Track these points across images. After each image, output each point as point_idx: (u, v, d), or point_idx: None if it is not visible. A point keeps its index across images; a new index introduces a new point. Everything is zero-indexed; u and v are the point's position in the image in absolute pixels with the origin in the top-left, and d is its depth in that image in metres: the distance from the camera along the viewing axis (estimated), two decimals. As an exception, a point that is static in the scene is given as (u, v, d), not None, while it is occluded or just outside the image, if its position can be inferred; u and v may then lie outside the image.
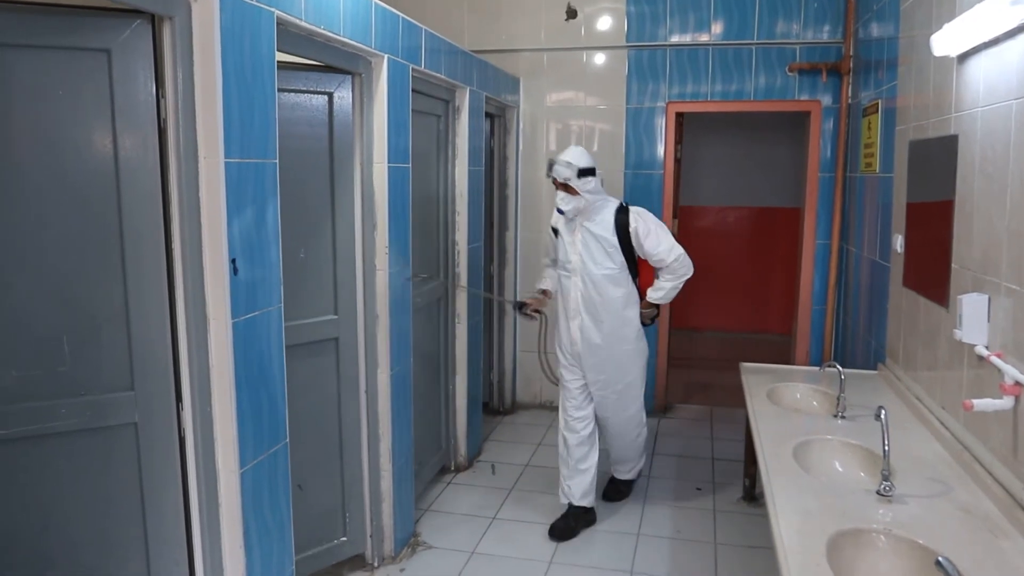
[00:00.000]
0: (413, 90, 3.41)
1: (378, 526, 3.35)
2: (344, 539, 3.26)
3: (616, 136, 5.29)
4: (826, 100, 4.92)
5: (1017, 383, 2.06)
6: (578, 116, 5.37)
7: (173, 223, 2.09)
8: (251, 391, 2.30)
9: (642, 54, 5.19)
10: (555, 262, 3.76)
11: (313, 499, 3.06)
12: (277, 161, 2.37)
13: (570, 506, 3.71)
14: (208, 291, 2.15)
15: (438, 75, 3.74)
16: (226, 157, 2.12)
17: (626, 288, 3.57)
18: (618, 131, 5.28)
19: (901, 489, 2.24)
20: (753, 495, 3.99)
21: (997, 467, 2.23)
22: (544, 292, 3.84)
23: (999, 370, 2.15)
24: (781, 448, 2.62)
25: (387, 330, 3.25)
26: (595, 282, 3.54)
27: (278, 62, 2.38)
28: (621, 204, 3.57)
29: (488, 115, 4.87)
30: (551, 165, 3.45)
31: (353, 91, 3.03)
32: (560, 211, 3.49)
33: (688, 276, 3.61)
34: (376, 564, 3.35)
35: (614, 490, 4.05)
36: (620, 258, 3.53)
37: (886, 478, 2.23)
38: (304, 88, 2.88)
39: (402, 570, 3.35)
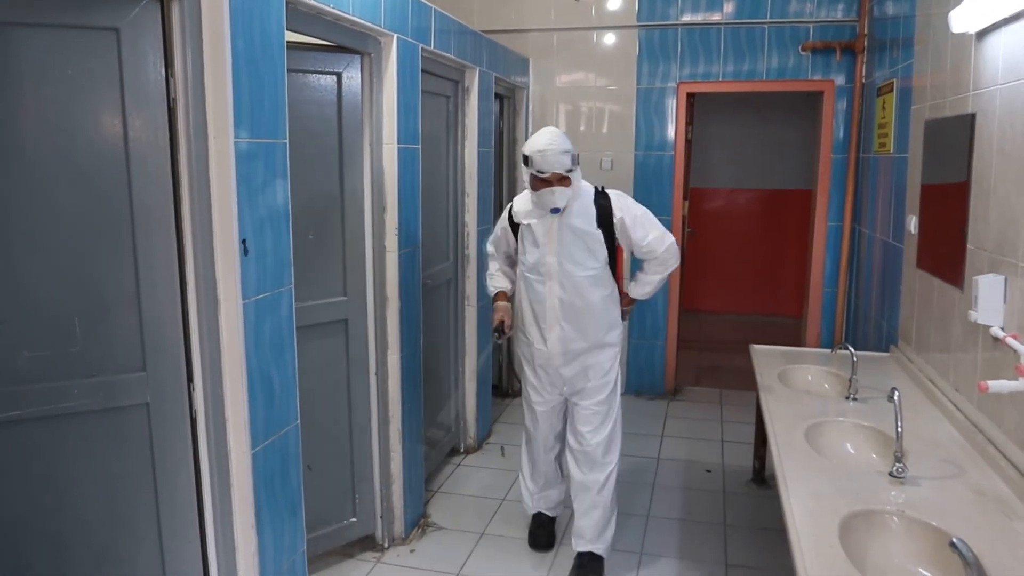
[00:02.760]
0: (423, 70, 3.39)
1: (388, 507, 3.37)
2: (354, 520, 3.28)
3: (626, 117, 5.25)
4: (839, 80, 4.87)
5: (1033, 365, 2.04)
6: (588, 97, 5.33)
7: (183, 204, 2.09)
8: (262, 372, 2.31)
9: (653, 34, 5.14)
10: (507, 257, 3.31)
11: (323, 480, 3.08)
12: (287, 141, 2.36)
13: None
14: (219, 272, 2.15)
15: (448, 55, 3.71)
16: (236, 137, 2.11)
17: (609, 287, 3.06)
18: (628, 112, 5.24)
19: (914, 471, 2.23)
20: (763, 477, 3.99)
21: (1011, 449, 2.21)
22: (501, 296, 3.27)
23: (1015, 351, 2.13)
24: (792, 430, 2.61)
25: (397, 312, 3.25)
26: (576, 286, 2.99)
27: (287, 42, 2.36)
28: (597, 188, 3.06)
29: (498, 96, 4.84)
30: (531, 159, 2.85)
31: (362, 71, 3.01)
32: (556, 209, 2.89)
33: (676, 266, 3.13)
34: (386, 545, 3.37)
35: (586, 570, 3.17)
36: (604, 253, 3.00)
37: (899, 460, 2.22)
38: (313, 68, 2.86)
39: (412, 551, 3.37)
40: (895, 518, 2.01)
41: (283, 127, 2.34)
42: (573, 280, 2.99)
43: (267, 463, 2.36)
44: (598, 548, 3.13)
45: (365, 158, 3.07)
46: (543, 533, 3.42)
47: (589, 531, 3.13)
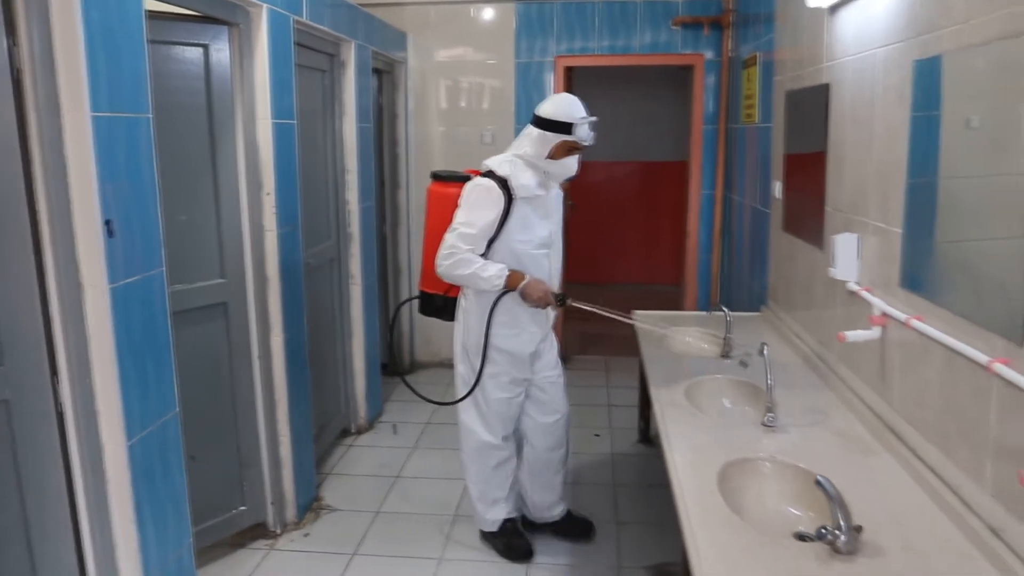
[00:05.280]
0: (296, 43, 3.28)
1: (279, 493, 3.29)
2: (243, 508, 3.19)
3: (506, 92, 5.27)
4: (709, 54, 5.06)
5: (884, 314, 2.22)
6: (468, 72, 5.31)
7: (36, 183, 1.94)
8: (135, 360, 2.19)
9: (530, 8, 5.17)
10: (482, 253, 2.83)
11: (208, 469, 2.97)
12: (151, 116, 2.23)
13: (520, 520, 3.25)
14: (81, 256, 2.02)
15: (322, 28, 3.60)
16: (93, 111, 1.97)
17: None
18: (508, 87, 5.27)
19: (783, 420, 2.38)
20: (649, 437, 4.15)
21: (867, 393, 2.40)
22: (515, 273, 2.79)
23: (868, 303, 2.31)
24: (673, 389, 2.73)
25: (279, 293, 3.16)
26: (559, 254, 2.99)
27: (148, 11, 2.22)
28: None
29: (376, 71, 4.75)
30: (576, 126, 2.68)
31: (231, 43, 2.88)
32: (570, 178, 2.87)
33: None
34: (279, 531, 3.29)
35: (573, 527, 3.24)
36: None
37: (770, 410, 2.37)
38: (178, 40, 2.71)
39: (307, 535, 3.31)
40: (767, 463, 2.15)
41: (146, 101, 2.21)
42: (558, 249, 2.98)
43: (145, 455, 2.25)
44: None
45: (238, 134, 2.95)
46: (523, 540, 3.16)
47: (560, 490, 3.23)
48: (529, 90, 5.25)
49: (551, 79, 5.22)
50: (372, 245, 4.50)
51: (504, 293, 2.80)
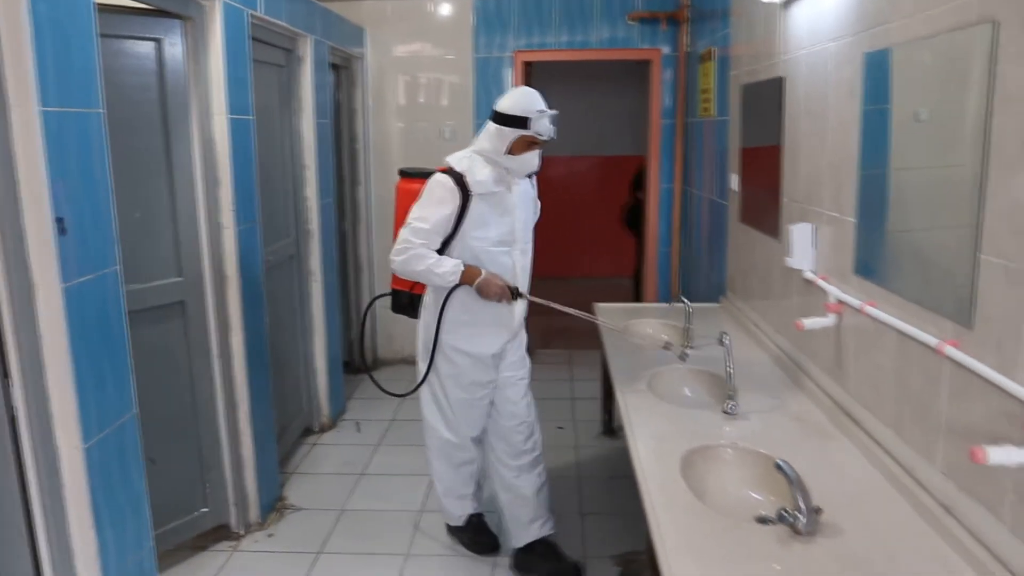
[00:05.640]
0: (252, 38, 3.23)
1: (241, 494, 3.25)
2: (206, 510, 3.15)
3: (465, 87, 5.27)
4: (666, 48, 5.11)
5: (839, 301, 2.27)
6: (426, 67, 5.29)
7: (-17, 180, 1.89)
8: (91, 361, 2.14)
9: (488, 3, 5.17)
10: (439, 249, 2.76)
11: (169, 471, 2.92)
12: (103, 111, 2.18)
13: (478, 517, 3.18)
14: (32, 255, 1.96)
15: (279, 22, 3.55)
16: (42, 106, 1.92)
17: None
18: (467, 82, 5.26)
19: (744, 407, 2.42)
20: (612, 429, 4.19)
21: (823, 379, 2.46)
22: (471, 268, 2.72)
23: (824, 291, 2.36)
24: (635, 380, 2.76)
25: (238, 291, 3.12)
26: (528, 251, 2.89)
27: (99, 4, 2.17)
28: None
29: (334, 66, 4.71)
30: (532, 120, 2.60)
31: (185, 37, 2.83)
32: (532, 174, 2.81)
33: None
34: (242, 532, 3.25)
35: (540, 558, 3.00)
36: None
37: (731, 398, 2.41)
38: (129, 34, 2.66)
39: (270, 535, 3.28)
40: (729, 449, 2.19)
41: (97, 95, 2.16)
42: (529, 245, 2.89)
43: (103, 457, 2.21)
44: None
45: (194, 130, 2.90)
46: (489, 535, 3.16)
47: (546, 508, 3.02)
48: (488, 85, 5.24)
49: (510, 74, 5.23)
50: (332, 242, 4.46)
51: (454, 288, 2.74)
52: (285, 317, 3.94)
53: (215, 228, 3.01)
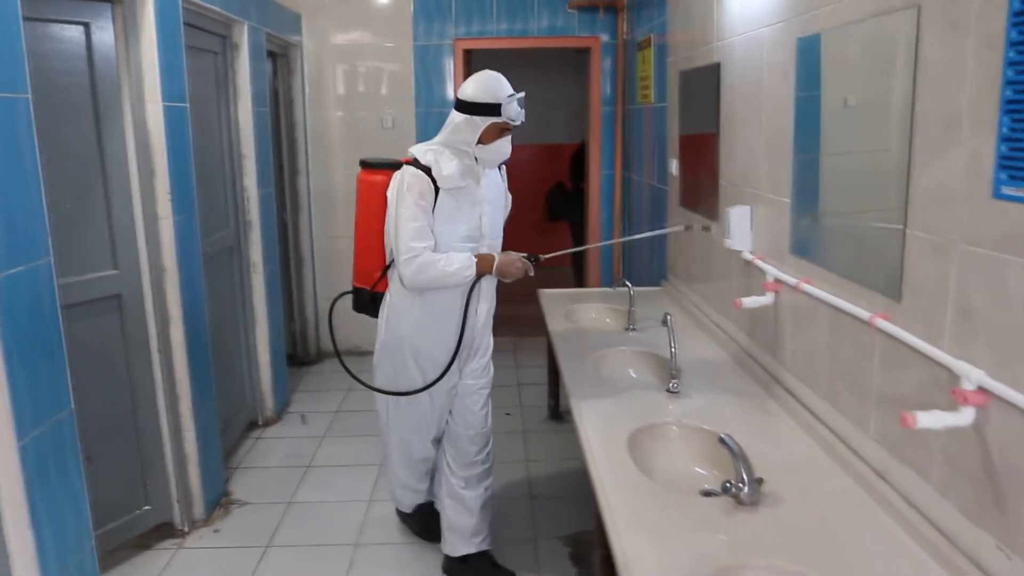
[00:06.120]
0: (186, 23, 3.15)
1: (185, 490, 3.19)
2: (148, 508, 3.08)
3: (405, 76, 5.23)
4: (605, 36, 5.17)
5: (776, 280, 2.35)
6: (366, 56, 5.23)
7: (-97, 169, 1.81)
8: (24, 356, 2.07)
9: (427, -9, 5.14)
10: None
11: (108, 469, 2.85)
12: (29, 96, 2.10)
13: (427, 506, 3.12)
14: (-43, 246, 1.89)
15: (212, 7, 3.47)
16: (-36, 91, 1.85)
17: None
18: (407, 70, 5.22)
19: (687, 386, 2.49)
20: (559, 413, 4.24)
21: (763, 356, 2.54)
22: (485, 256, 2.62)
23: (762, 271, 2.43)
24: (581, 363, 2.80)
25: (177, 283, 3.04)
26: (497, 246, 2.73)
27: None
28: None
29: (271, 54, 4.62)
30: (504, 106, 2.51)
31: (115, 21, 2.74)
32: (503, 162, 2.68)
33: None
34: (187, 529, 3.19)
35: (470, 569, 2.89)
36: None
37: (675, 377, 2.47)
38: (56, 17, 2.56)
39: (216, 531, 3.22)
40: (674, 427, 2.24)
41: (23, 80, 2.08)
42: (498, 240, 2.72)
43: (39, 455, 2.14)
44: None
45: (126, 117, 2.82)
46: (438, 522, 3.00)
47: (487, 524, 2.91)
48: (428, 73, 5.22)
49: (450, 63, 5.21)
50: (273, 233, 4.38)
51: (475, 284, 2.62)
52: (226, 310, 3.87)
53: (152, 219, 2.93)
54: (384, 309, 2.76)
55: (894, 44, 1.68)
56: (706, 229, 2.89)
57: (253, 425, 4.23)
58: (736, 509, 1.75)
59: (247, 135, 4.02)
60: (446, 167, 2.52)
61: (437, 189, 2.52)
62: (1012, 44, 1.29)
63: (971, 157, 1.42)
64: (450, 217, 2.55)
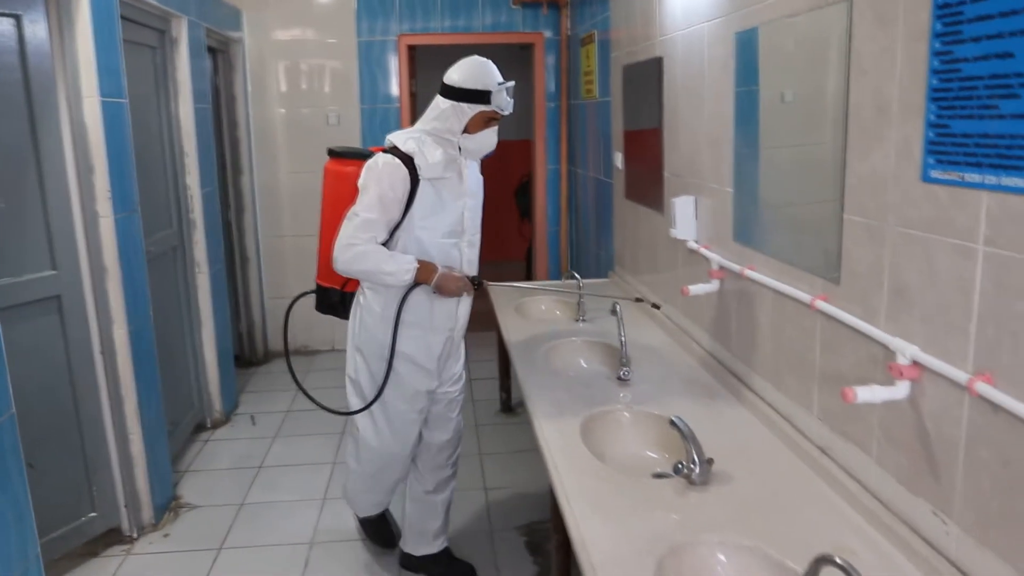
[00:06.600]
0: (123, 17, 3.07)
1: (132, 495, 3.12)
2: (94, 514, 3.00)
3: (349, 72, 5.19)
4: (548, 33, 5.21)
5: (721, 267, 2.41)
6: (308, 52, 5.18)
7: None
8: (-40, 359, 2.01)
9: (370, -14, 5.11)
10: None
11: (51, 475, 2.77)
12: (-40, 92, 2.04)
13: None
14: None
15: (149, 1, 3.39)
16: None
17: None
18: (351, 67, 5.19)
19: (637, 373, 2.54)
20: (510, 406, 4.27)
21: (709, 342, 2.61)
22: (427, 264, 2.44)
23: (707, 259, 2.50)
24: (532, 355, 2.83)
25: (119, 283, 2.97)
26: (476, 243, 2.63)
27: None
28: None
29: (211, 50, 4.53)
30: (494, 94, 2.37)
31: (48, 14, 2.67)
32: (490, 153, 2.53)
33: None
34: (135, 535, 3.12)
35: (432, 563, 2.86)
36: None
37: (625, 365, 2.52)
38: (-18, 10, 2.48)
39: (166, 536, 3.16)
40: (625, 413, 2.29)
41: (-46, 75, 2.02)
42: (477, 236, 2.61)
43: (-21, 462, 2.08)
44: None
45: (62, 113, 2.75)
46: (389, 528, 3.05)
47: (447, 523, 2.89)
48: (372, 70, 5.19)
49: (394, 59, 5.19)
50: (217, 232, 4.31)
51: (410, 290, 2.46)
52: (171, 310, 3.79)
53: (91, 217, 2.86)
54: (356, 310, 2.60)
55: (827, 37, 1.75)
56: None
57: (201, 427, 4.16)
58: (688, 489, 1.80)
59: (188, 132, 3.94)
60: (431, 156, 2.37)
61: (416, 180, 2.36)
62: (937, 35, 1.37)
63: (902, 144, 1.49)
64: (432, 210, 2.41)
